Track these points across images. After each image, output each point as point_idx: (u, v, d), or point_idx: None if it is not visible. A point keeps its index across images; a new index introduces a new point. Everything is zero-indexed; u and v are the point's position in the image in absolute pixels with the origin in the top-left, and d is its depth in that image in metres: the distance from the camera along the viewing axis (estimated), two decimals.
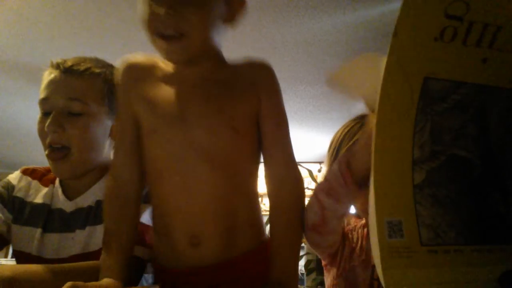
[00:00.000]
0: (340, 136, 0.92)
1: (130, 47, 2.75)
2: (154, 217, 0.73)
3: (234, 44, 2.71)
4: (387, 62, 0.34)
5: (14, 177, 0.87)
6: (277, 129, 0.70)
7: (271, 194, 0.69)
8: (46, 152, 0.79)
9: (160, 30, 0.62)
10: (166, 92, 0.68)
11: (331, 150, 0.93)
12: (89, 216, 0.80)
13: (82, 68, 0.80)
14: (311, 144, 4.53)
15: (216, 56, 0.72)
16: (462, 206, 0.31)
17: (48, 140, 0.77)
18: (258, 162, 0.72)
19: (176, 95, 0.67)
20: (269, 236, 0.68)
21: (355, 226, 0.89)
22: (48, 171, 0.89)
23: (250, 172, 0.71)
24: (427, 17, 0.34)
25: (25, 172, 0.88)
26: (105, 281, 0.62)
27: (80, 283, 0.57)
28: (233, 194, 0.67)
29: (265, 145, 0.70)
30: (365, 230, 0.87)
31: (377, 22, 2.39)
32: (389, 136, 0.32)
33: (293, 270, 0.66)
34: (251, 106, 0.69)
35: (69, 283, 0.56)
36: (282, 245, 0.66)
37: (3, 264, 0.63)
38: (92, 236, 0.78)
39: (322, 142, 4.78)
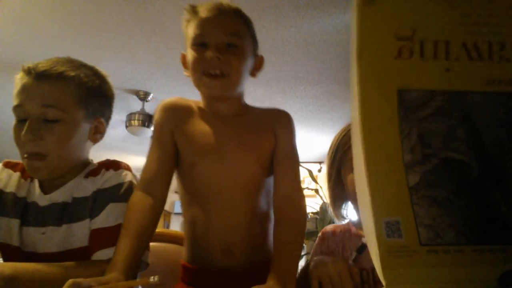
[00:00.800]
0: (337, 140, 0.96)
1: (130, 47, 2.76)
2: (189, 228, 0.87)
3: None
4: (359, 81, 0.36)
5: None
6: (288, 161, 0.85)
7: (277, 209, 0.80)
8: (24, 160, 0.78)
9: (208, 70, 0.79)
10: (203, 129, 0.84)
11: (330, 153, 0.98)
12: (65, 213, 0.79)
13: (55, 72, 0.77)
14: (311, 144, 4.53)
15: (241, 99, 0.91)
16: (461, 206, 0.31)
17: (25, 150, 0.76)
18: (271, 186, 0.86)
19: (212, 132, 0.84)
20: (273, 243, 0.78)
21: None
22: None
23: (268, 194, 0.86)
24: (382, 41, 0.37)
25: (7, 165, 0.87)
26: (109, 275, 0.65)
27: (81, 279, 0.57)
28: (258, 213, 0.83)
29: (277, 172, 0.83)
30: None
31: None
32: (377, 143, 0.33)
33: (292, 274, 0.71)
34: (270, 145, 0.85)
35: (70, 281, 0.56)
36: (284, 250, 0.73)
37: (4, 262, 0.63)
38: (71, 234, 0.78)
39: (322, 142, 4.78)
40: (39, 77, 0.77)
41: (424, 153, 0.33)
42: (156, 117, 0.88)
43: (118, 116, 3.75)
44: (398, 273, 0.28)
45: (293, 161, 0.86)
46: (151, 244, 1.20)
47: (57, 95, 0.77)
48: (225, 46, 0.80)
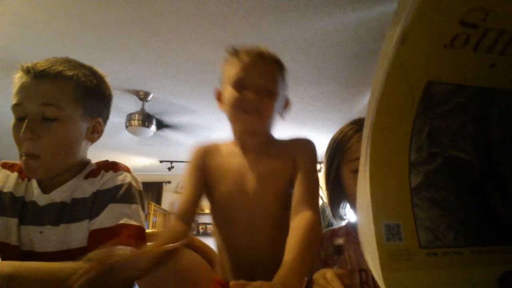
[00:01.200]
0: (335, 141, 0.98)
1: (130, 47, 2.76)
2: (218, 250, 0.98)
3: (235, 44, 2.71)
4: (391, 67, 0.33)
5: None
6: (306, 186, 0.88)
7: (294, 224, 0.82)
8: (21, 158, 0.79)
9: (245, 108, 0.89)
10: (227, 166, 0.96)
11: (327, 155, 1.00)
12: (63, 212, 0.80)
13: (53, 72, 0.78)
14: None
15: (269, 135, 0.99)
16: (460, 208, 0.31)
17: (23, 149, 0.77)
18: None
19: (235, 169, 0.94)
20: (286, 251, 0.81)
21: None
22: None
23: (286, 217, 0.89)
24: (440, 25, 0.33)
25: (4, 165, 0.88)
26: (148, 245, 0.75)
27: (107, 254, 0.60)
28: (279, 234, 0.85)
29: (294, 198, 0.86)
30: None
31: (377, 22, 2.39)
32: (385, 141, 0.32)
33: (297, 273, 0.71)
34: (288, 175, 0.90)
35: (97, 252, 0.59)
36: (295, 257, 0.75)
37: (3, 261, 0.63)
38: (69, 234, 0.78)
39: (322, 142, 4.77)
40: (38, 76, 0.77)
41: (430, 151, 0.32)
42: (190, 158, 1.00)
43: (118, 116, 3.75)
44: (398, 276, 0.28)
45: (311, 178, 0.88)
46: (151, 243, 1.20)
47: (55, 94, 0.78)
48: (264, 91, 0.90)
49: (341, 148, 0.94)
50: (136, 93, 3.50)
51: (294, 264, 0.71)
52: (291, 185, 0.90)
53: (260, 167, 0.94)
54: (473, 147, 0.33)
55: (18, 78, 0.80)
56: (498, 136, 0.34)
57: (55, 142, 0.78)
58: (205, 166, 0.98)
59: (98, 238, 0.77)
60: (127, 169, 0.89)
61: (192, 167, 0.99)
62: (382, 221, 0.29)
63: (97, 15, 2.38)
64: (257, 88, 0.90)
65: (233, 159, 0.97)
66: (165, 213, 6.40)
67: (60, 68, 0.80)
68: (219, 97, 1.01)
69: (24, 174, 0.85)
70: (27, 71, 0.78)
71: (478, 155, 0.33)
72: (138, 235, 0.79)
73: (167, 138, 4.69)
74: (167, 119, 4.07)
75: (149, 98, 3.55)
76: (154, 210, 5.80)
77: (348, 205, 0.98)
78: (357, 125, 0.95)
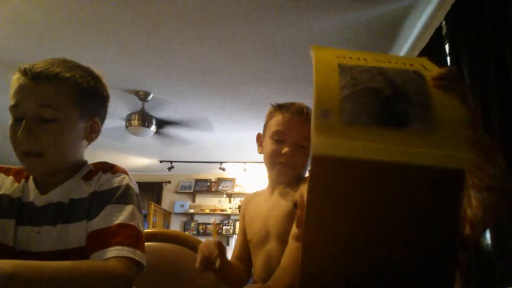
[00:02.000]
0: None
1: (130, 47, 2.76)
2: (254, 273, 1.13)
3: (235, 44, 2.71)
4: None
5: None
6: None
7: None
8: (20, 158, 0.80)
9: (280, 160, 1.05)
10: (259, 210, 1.12)
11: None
12: (60, 212, 0.81)
13: (51, 74, 0.79)
14: None
15: (299, 175, 1.10)
16: (376, 106, 0.47)
17: (21, 149, 0.78)
18: None
19: (264, 212, 1.10)
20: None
21: None
22: (22, 169, 0.90)
23: None
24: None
25: (0, 169, 0.90)
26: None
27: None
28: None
29: None
30: None
31: (377, 22, 2.39)
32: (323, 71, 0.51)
33: (289, 276, 0.85)
34: None
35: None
36: (288, 259, 0.90)
37: (4, 260, 0.63)
38: (66, 234, 0.79)
39: None
40: (35, 78, 0.78)
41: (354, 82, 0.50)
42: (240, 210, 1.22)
43: (118, 116, 3.75)
44: (325, 141, 0.43)
45: None
46: (151, 244, 1.20)
47: (52, 95, 0.79)
48: (298, 146, 1.05)
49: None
50: (136, 93, 3.50)
51: (287, 265, 0.82)
52: None
53: (282, 206, 1.04)
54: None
55: (15, 79, 0.80)
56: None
57: (52, 142, 0.79)
58: (244, 215, 1.18)
59: (96, 238, 0.77)
60: (124, 171, 0.89)
61: (240, 219, 1.21)
62: (320, 107, 0.45)
63: (97, 15, 2.38)
64: (293, 144, 1.04)
65: (263, 202, 1.13)
66: (165, 213, 6.41)
67: (57, 70, 0.80)
68: (260, 142, 1.16)
69: (19, 177, 0.87)
70: (25, 72, 0.79)
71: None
72: (136, 236, 0.80)
73: (167, 138, 4.69)
74: (167, 119, 4.08)
75: (149, 98, 3.55)
76: (154, 210, 5.80)
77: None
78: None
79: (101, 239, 0.76)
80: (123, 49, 2.79)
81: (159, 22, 2.44)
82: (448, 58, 2.01)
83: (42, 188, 0.85)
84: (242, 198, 1.33)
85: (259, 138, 1.16)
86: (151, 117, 3.76)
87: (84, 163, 0.91)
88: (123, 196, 0.83)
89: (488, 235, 1.59)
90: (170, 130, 4.36)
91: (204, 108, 3.85)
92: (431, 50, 2.19)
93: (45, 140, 0.78)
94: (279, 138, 1.05)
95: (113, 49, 2.79)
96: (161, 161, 5.99)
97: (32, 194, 0.84)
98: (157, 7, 2.28)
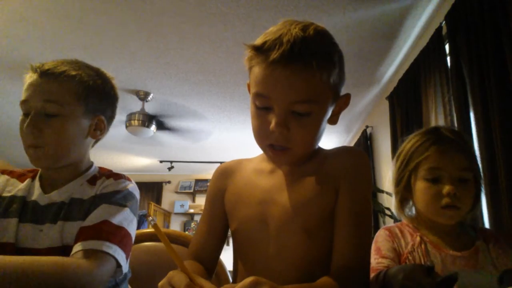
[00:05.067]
0: (411, 148, 0.96)
1: (130, 47, 2.76)
2: (236, 276, 0.80)
3: (235, 44, 2.71)
4: None
5: None
6: (352, 221, 0.69)
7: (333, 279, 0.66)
8: (26, 150, 0.84)
9: (270, 141, 0.69)
10: (252, 191, 0.77)
11: (400, 160, 0.98)
12: (61, 211, 0.83)
13: (58, 71, 0.84)
14: None
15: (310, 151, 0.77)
16: None
17: (27, 142, 0.82)
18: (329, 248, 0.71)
19: (261, 195, 0.76)
20: None
21: (413, 245, 0.91)
22: (28, 171, 0.93)
23: (320, 261, 0.71)
24: None
25: (3, 172, 0.93)
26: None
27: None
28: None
29: (336, 235, 0.70)
30: (423, 246, 0.90)
31: (377, 22, 2.39)
32: None
33: None
34: (327, 204, 0.71)
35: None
36: None
37: None
38: (64, 231, 0.81)
39: (322, 142, 4.77)
40: (43, 75, 0.83)
41: None
42: (210, 182, 0.87)
43: (118, 116, 3.74)
44: None
45: (359, 222, 0.69)
46: (150, 244, 1.20)
47: (57, 91, 0.83)
48: (291, 113, 0.66)
49: (418, 155, 0.93)
50: (136, 93, 3.50)
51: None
52: (329, 218, 0.71)
53: (289, 193, 0.73)
54: None
55: (28, 77, 0.85)
56: None
57: (56, 136, 0.83)
58: (224, 193, 0.81)
59: (81, 233, 0.78)
60: (129, 179, 0.92)
61: (210, 195, 0.84)
62: None
63: (97, 15, 2.38)
64: (284, 111, 0.65)
65: (258, 179, 0.78)
66: (165, 213, 6.41)
67: (65, 68, 0.85)
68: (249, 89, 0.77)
69: (23, 178, 0.90)
70: (35, 70, 0.84)
71: None
72: (123, 235, 0.80)
73: (167, 138, 4.69)
74: (167, 119, 4.08)
75: (149, 98, 3.55)
76: (154, 210, 5.80)
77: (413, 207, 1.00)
78: (434, 135, 0.93)
79: (84, 233, 0.77)
80: (123, 49, 2.79)
81: (159, 22, 2.44)
82: (448, 58, 2.01)
83: (47, 188, 0.88)
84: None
85: (249, 88, 0.76)
86: (151, 117, 3.76)
87: (90, 164, 0.94)
88: (121, 198, 0.85)
89: None
90: (170, 130, 4.36)
91: (204, 108, 3.85)
92: (431, 50, 2.20)
93: (49, 134, 0.82)
94: (262, 104, 0.67)
95: (113, 49, 2.79)
96: (161, 161, 5.99)
97: (36, 193, 0.86)
98: (157, 7, 2.28)
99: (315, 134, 0.71)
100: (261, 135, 0.70)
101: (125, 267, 0.81)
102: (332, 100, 0.71)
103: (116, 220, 0.80)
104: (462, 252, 0.88)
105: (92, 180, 0.89)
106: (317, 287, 0.62)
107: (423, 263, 0.86)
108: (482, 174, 1.00)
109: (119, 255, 0.77)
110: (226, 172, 0.84)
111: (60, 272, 0.68)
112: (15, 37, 2.62)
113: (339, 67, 0.71)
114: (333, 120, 0.76)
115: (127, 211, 0.84)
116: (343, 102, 0.76)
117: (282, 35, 0.63)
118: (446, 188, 0.87)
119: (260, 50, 0.65)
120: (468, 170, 0.90)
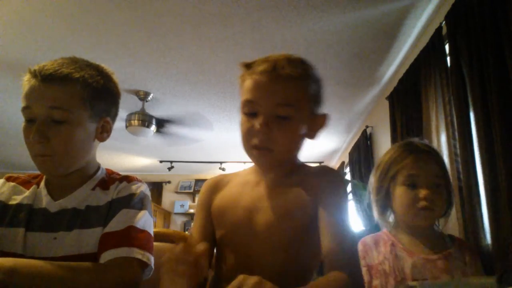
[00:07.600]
0: (390, 158, 1.07)
1: (130, 47, 2.76)
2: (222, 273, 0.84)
3: (235, 44, 2.71)
4: None
5: None
6: (337, 232, 0.75)
7: (326, 269, 0.73)
8: (34, 158, 0.81)
9: (254, 142, 0.78)
10: (239, 200, 0.83)
11: (379, 171, 1.08)
12: (77, 218, 0.82)
13: (60, 75, 0.80)
14: (311, 144, 4.53)
15: (292, 162, 0.87)
16: None
17: (35, 151, 0.80)
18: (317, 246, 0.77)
19: (247, 204, 0.82)
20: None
21: (384, 254, 1.00)
22: (32, 177, 0.92)
23: (306, 259, 0.80)
24: None
25: (9, 179, 0.91)
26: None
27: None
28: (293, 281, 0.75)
29: (325, 243, 0.75)
30: (394, 254, 0.99)
31: (377, 22, 2.39)
32: None
33: None
34: (309, 212, 0.78)
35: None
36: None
37: (4, 258, 0.63)
38: (81, 240, 0.79)
39: (322, 142, 4.78)
40: (45, 80, 0.79)
41: None
42: (199, 195, 0.92)
43: (118, 116, 3.74)
44: None
45: (340, 235, 0.75)
46: (155, 244, 1.20)
47: (62, 96, 0.80)
48: (275, 117, 0.75)
49: (396, 164, 1.03)
50: (136, 93, 3.50)
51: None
52: (311, 223, 0.77)
53: (275, 201, 0.80)
54: None
55: (26, 80, 0.81)
56: None
57: (64, 143, 0.80)
58: (212, 202, 0.87)
59: (107, 240, 0.78)
60: (140, 180, 0.92)
61: (199, 207, 0.90)
62: None
63: (97, 15, 2.38)
64: (268, 115, 0.74)
65: (245, 190, 0.85)
66: (165, 213, 6.41)
67: (67, 71, 0.81)
68: None
69: (29, 185, 0.88)
70: (34, 74, 0.79)
71: None
72: (147, 239, 0.81)
73: (167, 138, 4.69)
74: (167, 119, 4.07)
75: (149, 98, 3.55)
76: (154, 210, 5.81)
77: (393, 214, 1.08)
78: (409, 146, 1.05)
79: (112, 240, 0.77)
80: (123, 49, 2.79)
81: (159, 23, 2.44)
82: (448, 58, 2.01)
83: (55, 194, 0.85)
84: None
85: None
86: (151, 117, 3.76)
87: (98, 167, 0.93)
88: (138, 202, 0.85)
89: (488, 235, 1.59)
90: (170, 130, 4.36)
91: (204, 108, 3.85)
92: (431, 50, 2.20)
93: (57, 141, 0.80)
94: (249, 110, 0.77)
95: (113, 49, 2.79)
96: (161, 161, 5.99)
97: (45, 200, 0.84)
98: (157, 7, 2.28)
99: (294, 138, 0.80)
100: (247, 137, 0.78)
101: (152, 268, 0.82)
102: (309, 112, 0.81)
103: (139, 224, 0.81)
104: (434, 255, 0.98)
105: (104, 185, 0.88)
106: (329, 280, 0.68)
107: (393, 271, 0.97)
108: (452, 183, 1.12)
109: (149, 260, 0.79)
110: (213, 187, 0.90)
111: (101, 278, 0.70)
112: (15, 38, 2.62)
113: (316, 84, 0.82)
114: (311, 135, 0.85)
115: (146, 214, 0.85)
116: (321, 120, 0.84)
117: (269, 56, 0.78)
118: (423, 192, 0.97)
119: (250, 66, 0.79)
120: (441, 177, 1.01)
